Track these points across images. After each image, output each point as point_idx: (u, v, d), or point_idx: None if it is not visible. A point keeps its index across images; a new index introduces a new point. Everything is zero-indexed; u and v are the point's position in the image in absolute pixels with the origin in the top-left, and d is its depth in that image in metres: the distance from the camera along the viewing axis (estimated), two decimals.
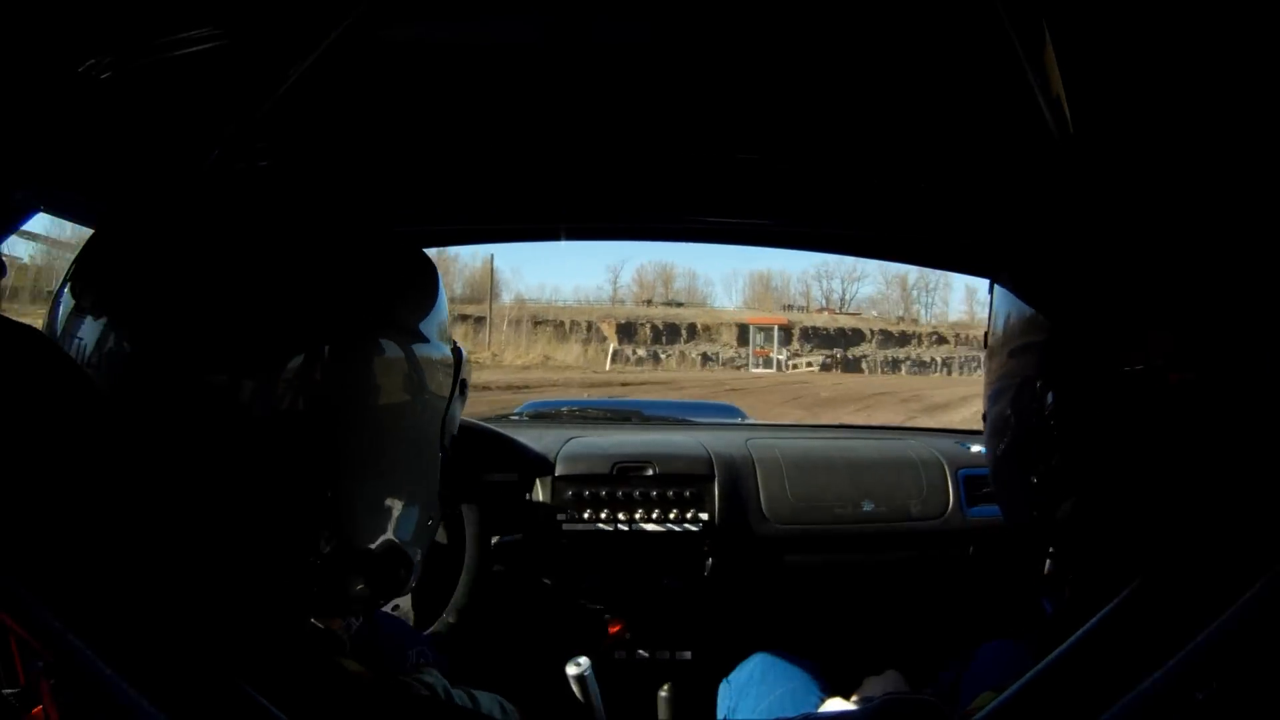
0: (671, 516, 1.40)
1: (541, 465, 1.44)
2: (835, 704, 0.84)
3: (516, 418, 1.94)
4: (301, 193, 0.59)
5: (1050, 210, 0.69)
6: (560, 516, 1.40)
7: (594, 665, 0.81)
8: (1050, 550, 0.62)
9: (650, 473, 1.44)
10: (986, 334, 0.69)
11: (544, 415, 1.97)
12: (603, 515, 1.40)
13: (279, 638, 0.54)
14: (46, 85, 0.61)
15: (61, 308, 0.54)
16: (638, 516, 1.40)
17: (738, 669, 1.10)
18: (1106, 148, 0.67)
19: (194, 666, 0.41)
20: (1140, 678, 0.38)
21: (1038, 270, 0.63)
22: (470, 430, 1.36)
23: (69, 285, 0.55)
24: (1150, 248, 0.55)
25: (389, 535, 0.57)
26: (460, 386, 0.62)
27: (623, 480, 1.43)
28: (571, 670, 0.78)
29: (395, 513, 0.58)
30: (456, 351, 0.61)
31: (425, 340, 0.57)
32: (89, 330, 0.52)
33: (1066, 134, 0.66)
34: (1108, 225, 0.58)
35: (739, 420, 2.42)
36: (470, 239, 1.43)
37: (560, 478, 1.43)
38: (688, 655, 1.39)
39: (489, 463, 1.37)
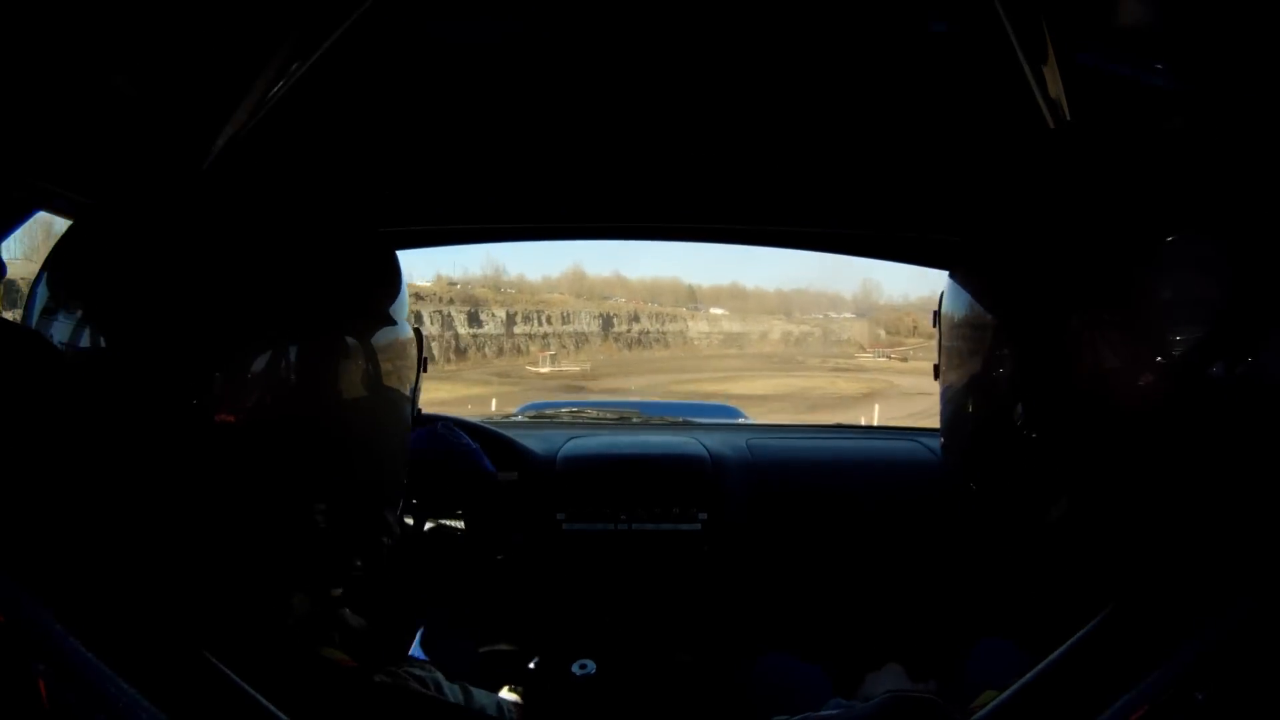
0: (671, 516, 1.40)
1: (542, 465, 1.44)
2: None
3: (517, 418, 1.95)
4: (284, 191, 0.59)
5: (1031, 204, 0.68)
6: (560, 516, 1.40)
7: (597, 665, 0.81)
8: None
9: (650, 473, 1.44)
10: (939, 329, 0.69)
11: (544, 416, 1.97)
12: (603, 515, 1.40)
13: (262, 626, 0.54)
14: (47, 86, 0.61)
15: (36, 304, 0.53)
16: (638, 516, 1.40)
17: (744, 673, 1.08)
18: (1096, 143, 0.66)
19: (178, 654, 0.41)
20: (1141, 678, 0.38)
21: (1007, 264, 0.61)
22: (471, 431, 1.36)
23: (42, 282, 0.54)
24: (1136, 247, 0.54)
25: (371, 504, 0.61)
26: (423, 364, 0.67)
27: (623, 480, 1.43)
28: (576, 670, 0.78)
29: (376, 482, 0.62)
30: (417, 331, 0.65)
31: (394, 323, 0.61)
32: (63, 327, 0.52)
33: (1061, 128, 0.65)
34: (1094, 220, 0.57)
35: (739, 420, 2.42)
36: (465, 239, 1.43)
37: (560, 478, 1.43)
38: (688, 657, 1.39)
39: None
